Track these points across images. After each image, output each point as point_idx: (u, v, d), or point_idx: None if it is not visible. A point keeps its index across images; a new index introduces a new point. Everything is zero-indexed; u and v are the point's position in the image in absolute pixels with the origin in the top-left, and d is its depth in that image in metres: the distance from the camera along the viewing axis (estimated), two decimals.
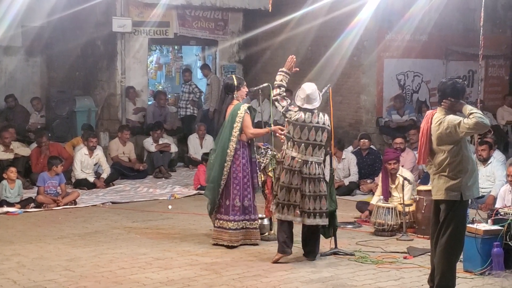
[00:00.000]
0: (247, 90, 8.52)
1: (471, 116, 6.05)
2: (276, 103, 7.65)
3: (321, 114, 7.60)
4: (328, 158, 8.27)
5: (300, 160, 7.47)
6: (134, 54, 15.30)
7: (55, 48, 16.35)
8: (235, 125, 8.11)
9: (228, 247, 8.13)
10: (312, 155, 7.51)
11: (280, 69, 7.84)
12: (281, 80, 7.74)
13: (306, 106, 7.52)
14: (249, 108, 8.29)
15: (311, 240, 7.70)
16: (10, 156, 12.39)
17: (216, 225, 8.30)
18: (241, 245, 8.20)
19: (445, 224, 6.21)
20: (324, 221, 7.60)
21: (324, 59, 14.23)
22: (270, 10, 12.09)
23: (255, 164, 8.31)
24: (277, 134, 8.04)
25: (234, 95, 8.29)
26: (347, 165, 12.26)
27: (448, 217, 6.19)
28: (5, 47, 15.73)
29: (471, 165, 6.19)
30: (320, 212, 7.55)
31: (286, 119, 7.57)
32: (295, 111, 7.53)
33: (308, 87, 7.61)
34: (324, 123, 7.57)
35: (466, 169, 6.14)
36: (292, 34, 15.14)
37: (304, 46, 15.17)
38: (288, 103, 7.59)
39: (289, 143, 7.55)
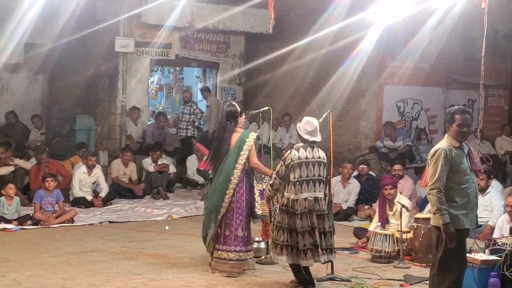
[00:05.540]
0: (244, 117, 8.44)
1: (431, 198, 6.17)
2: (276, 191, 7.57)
3: (319, 150, 7.50)
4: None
5: (311, 198, 7.29)
6: (136, 74, 15.34)
7: (57, 66, 16.40)
8: (242, 153, 7.92)
9: (228, 277, 7.87)
10: (319, 191, 7.38)
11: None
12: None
13: (310, 138, 7.38)
14: (257, 137, 8.17)
15: (308, 272, 7.51)
16: (10, 168, 12.42)
17: (214, 255, 8.03)
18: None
19: (437, 250, 6.25)
20: (334, 257, 7.51)
21: (326, 85, 14.23)
22: (271, 31, 12.00)
23: (253, 192, 8.16)
24: None
25: (237, 122, 8.15)
26: (351, 191, 12.26)
27: (438, 243, 6.23)
28: (7, 64, 15.75)
29: (460, 196, 6.18)
30: (330, 248, 7.41)
31: (290, 166, 7.27)
32: (291, 152, 7.34)
33: (315, 121, 7.52)
34: (324, 158, 7.49)
35: (453, 200, 6.14)
36: (293, 59, 15.16)
37: (306, 71, 15.18)
38: (280, 165, 7.41)
39: (296, 187, 7.27)
